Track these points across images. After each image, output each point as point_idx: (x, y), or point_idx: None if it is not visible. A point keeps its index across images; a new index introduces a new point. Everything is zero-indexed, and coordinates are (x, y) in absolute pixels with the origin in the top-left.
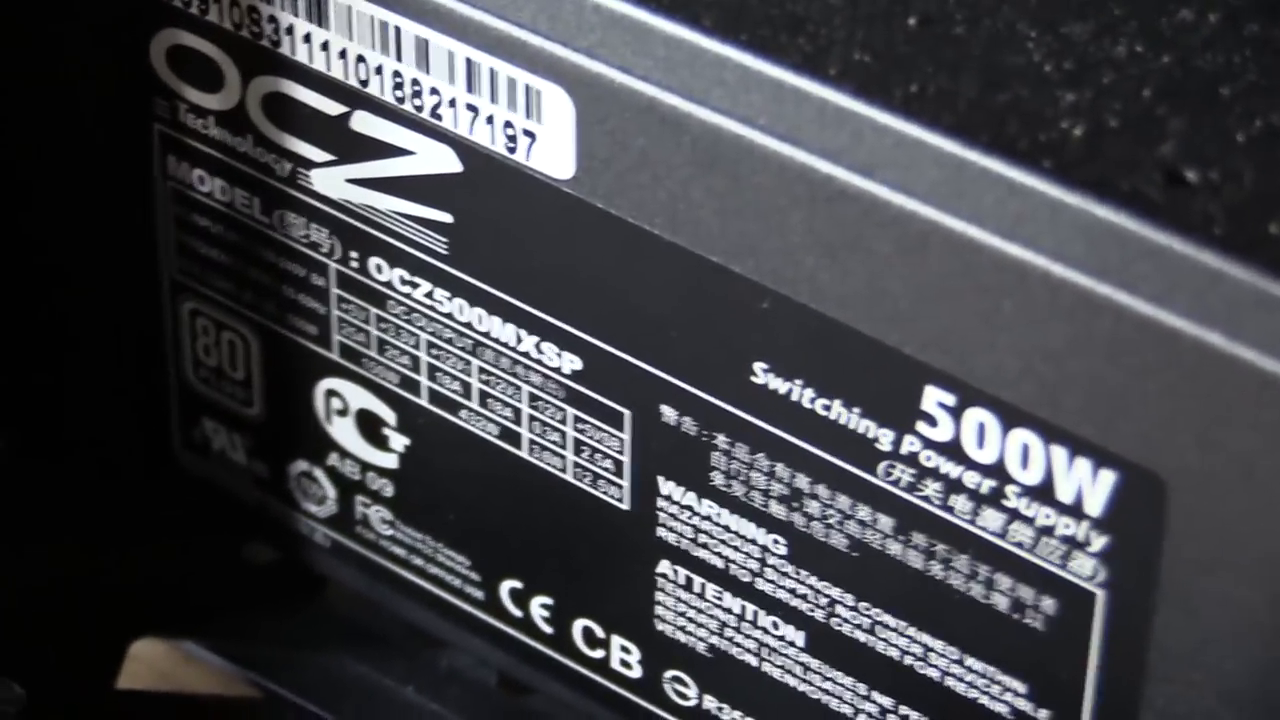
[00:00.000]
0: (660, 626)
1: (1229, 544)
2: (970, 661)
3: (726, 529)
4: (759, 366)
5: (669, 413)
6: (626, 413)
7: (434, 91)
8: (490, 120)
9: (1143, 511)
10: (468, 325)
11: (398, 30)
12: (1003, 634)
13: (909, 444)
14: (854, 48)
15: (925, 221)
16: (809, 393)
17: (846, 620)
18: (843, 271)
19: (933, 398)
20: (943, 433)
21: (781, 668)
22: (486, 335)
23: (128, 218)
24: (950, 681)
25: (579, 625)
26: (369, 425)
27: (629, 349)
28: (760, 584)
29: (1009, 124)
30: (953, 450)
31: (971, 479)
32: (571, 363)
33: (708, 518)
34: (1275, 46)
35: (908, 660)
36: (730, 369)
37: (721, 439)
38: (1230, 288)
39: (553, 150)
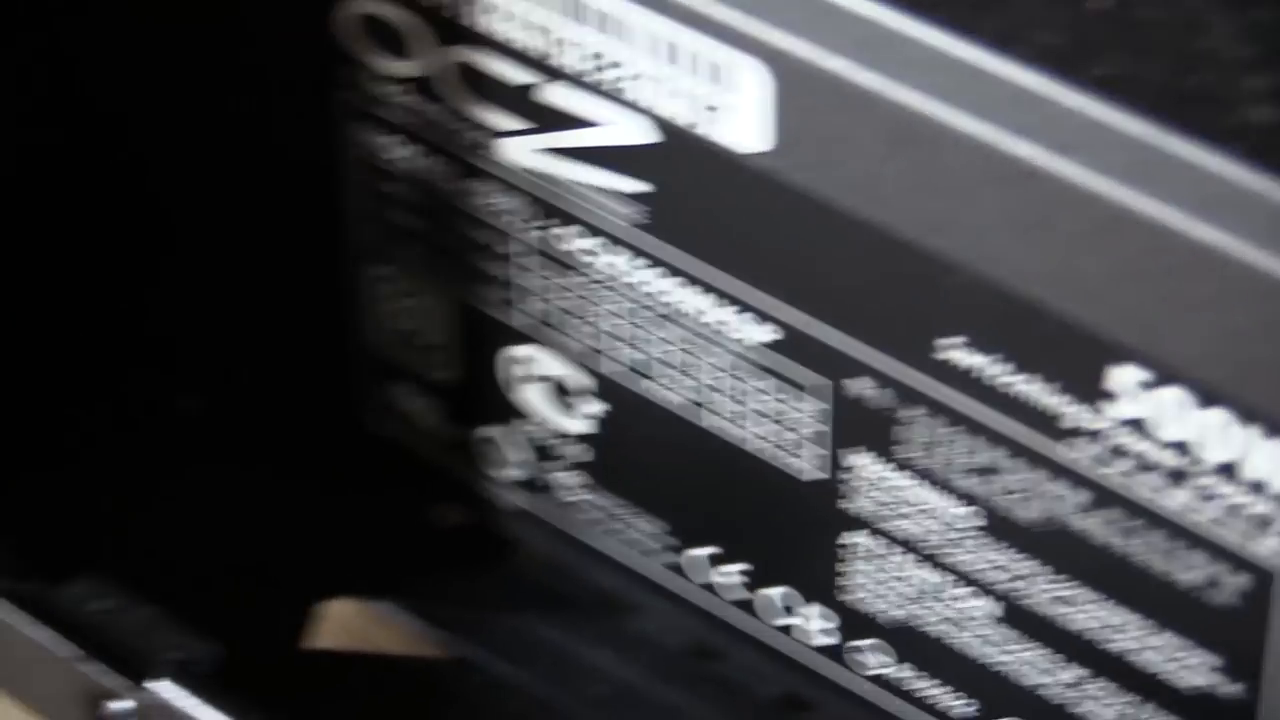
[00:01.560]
0: (853, 596)
1: None
2: (1158, 636)
3: (918, 501)
4: (950, 341)
5: (861, 385)
6: (819, 384)
7: (627, 64)
8: (685, 93)
9: None
10: (658, 295)
11: (590, 1)
12: (1190, 610)
13: (1100, 421)
14: (1045, 29)
15: (1115, 203)
16: (1000, 368)
17: (1037, 594)
18: (1034, 250)
19: (1124, 376)
20: (1132, 410)
21: (973, 639)
22: (678, 305)
23: (318, 185)
24: (1139, 656)
25: (770, 593)
26: (558, 392)
27: (822, 321)
28: (952, 556)
29: (1197, 107)
30: (1142, 428)
31: (1161, 457)
32: (764, 334)
33: (899, 490)
34: None
35: (1097, 634)
36: (922, 343)
37: (913, 412)
38: None
39: (746, 124)
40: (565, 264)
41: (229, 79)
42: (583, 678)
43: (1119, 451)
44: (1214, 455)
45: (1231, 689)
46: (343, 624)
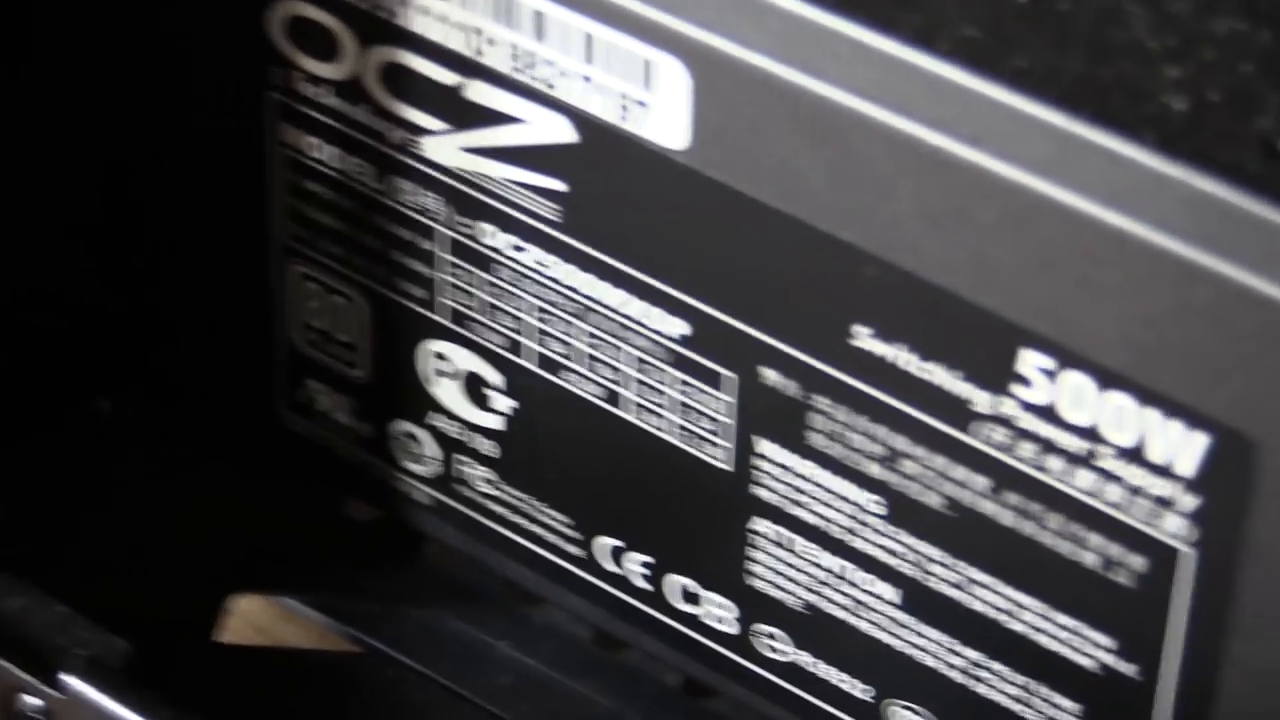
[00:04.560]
0: (755, 583)
1: None
2: (1058, 617)
3: (824, 488)
4: (861, 330)
5: (771, 375)
6: (730, 375)
7: (549, 62)
8: (605, 91)
9: (1233, 472)
10: (576, 290)
11: (514, 1)
12: (1091, 590)
13: (1005, 406)
14: (964, 23)
15: (1030, 192)
16: (909, 355)
17: (939, 577)
18: (947, 239)
19: (1030, 361)
20: (1039, 395)
21: (874, 623)
22: (594, 299)
23: (241, 183)
24: (1038, 636)
25: (675, 582)
26: (474, 387)
27: (734, 313)
28: (855, 542)
29: (1113, 98)
30: (1048, 412)
31: (1066, 440)
32: (677, 326)
33: (806, 477)
34: None
35: (997, 616)
36: (832, 332)
37: (822, 400)
38: None
39: (666, 121)
40: (484, 260)
41: (159, 77)
42: (489, 668)
43: (1025, 436)
44: (1118, 438)
45: (1129, 669)
46: (250, 619)
